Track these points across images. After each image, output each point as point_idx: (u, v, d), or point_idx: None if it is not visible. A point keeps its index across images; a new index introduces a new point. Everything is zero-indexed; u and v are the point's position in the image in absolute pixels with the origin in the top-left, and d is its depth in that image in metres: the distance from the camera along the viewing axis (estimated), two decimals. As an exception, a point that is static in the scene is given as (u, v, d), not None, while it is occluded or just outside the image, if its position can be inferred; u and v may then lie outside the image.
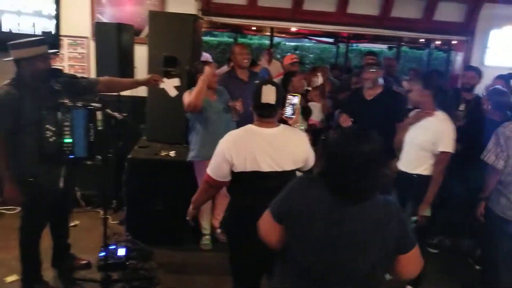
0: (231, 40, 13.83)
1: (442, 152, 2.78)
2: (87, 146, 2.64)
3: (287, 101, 2.31)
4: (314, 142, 3.30)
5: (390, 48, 13.30)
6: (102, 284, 2.82)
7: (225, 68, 5.07)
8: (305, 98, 4.19)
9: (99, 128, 2.67)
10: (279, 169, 2.01)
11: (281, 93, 2.11)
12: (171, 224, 3.47)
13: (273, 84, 2.10)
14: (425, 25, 4.88)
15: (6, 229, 3.53)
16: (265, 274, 2.15)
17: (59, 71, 2.80)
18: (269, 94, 2.01)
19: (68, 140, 2.58)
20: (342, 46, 13.34)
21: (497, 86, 3.62)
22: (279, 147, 2.02)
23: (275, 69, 6.71)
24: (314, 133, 3.82)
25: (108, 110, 2.72)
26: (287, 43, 15.90)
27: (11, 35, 3.66)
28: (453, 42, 6.36)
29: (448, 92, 3.36)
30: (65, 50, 4.37)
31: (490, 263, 2.92)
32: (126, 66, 3.88)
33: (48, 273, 2.96)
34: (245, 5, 4.62)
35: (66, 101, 2.61)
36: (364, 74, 3.38)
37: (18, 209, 3.59)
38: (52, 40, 3.96)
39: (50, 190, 2.68)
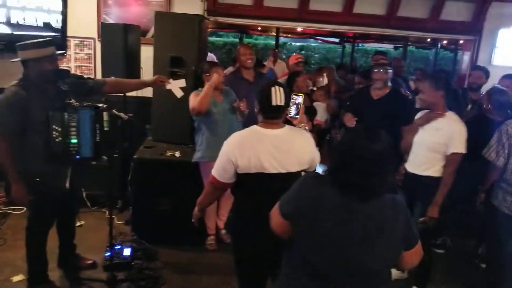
0: (237, 40, 13.86)
1: (453, 153, 2.73)
2: (93, 146, 2.64)
3: (291, 101, 2.30)
4: (319, 143, 3.29)
5: (396, 48, 13.24)
6: (108, 284, 2.84)
7: (231, 69, 5.08)
8: (310, 98, 4.18)
9: (106, 128, 2.68)
10: (284, 171, 1.99)
11: (288, 93, 2.11)
12: (176, 224, 3.47)
13: (281, 85, 2.09)
14: (432, 25, 4.85)
15: (13, 229, 3.57)
16: (270, 277, 2.14)
17: (66, 72, 2.81)
18: (279, 96, 2.00)
19: (74, 141, 2.59)
20: (348, 46, 13.32)
21: (496, 85, 3.63)
22: (285, 149, 2.00)
23: (280, 69, 6.72)
24: (319, 134, 3.81)
25: (114, 111, 2.74)
26: (292, 43, 15.90)
27: (18, 37, 3.69)
28: (461, 41, 6.32)
29: (457, 92, 3.35)
30: (72, 51, 4.40)
31: (495, 262, 2.91)
32: (132, 66, 3.89)
33: (54, 273, 2.97)
34: (251, 5, 4.62)
35: (72, 101, 2.63)
36: (376, 74, 3.29)
37: (25, 209, 3.64)
38: (59, 41, 4.00)
39: (56, 190, 2.69)
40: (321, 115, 4.19)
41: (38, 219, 2.74)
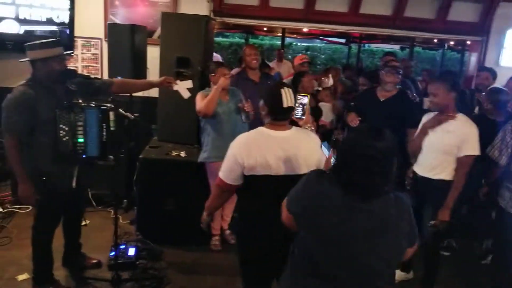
0: (243, 41, 13.86)
1: (466, 156, 2.69)
2: (100, 146, 2.65)
3: (297, 101, 2.29)
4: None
5: (402, 49, 13.16)
6: (112, 283, 2.84)
7: (237, 70, 5.09)
8: (316, 98, 4.17)
9: (112, 128, 2.69)
10: (291, 173, 1.97)
11: (295, 94, 2.10)
12: (181, 224, 3.48)
13: (289, 86, 2.08)
14: (439, 25, 4.81)
15: (19, 227, 3.59)
16: (275, 278, 2.13)
17: (74, 72, 2.83)
18: (289, 97, 1.98)
19: (81, 140, 2.60)
20: (354, 46, 13.28)
21: (495, 85, 3.68)
22: (292, 151, 1.98)
23: (286, 69, 6.72)
24: (324, 134, 3.80)
25: (121, 110, 2.75)
26: (298, 44, 15.87)
27: (30, 37, 3.73)
28: (468, 42, 6.27)
29: (465, 93, 3.33)
30: (79, 51, 4.43)
31: (502, 263, 2.89)
32: (138, 67, 3.91)
33: (59, 272, 2.98)
34: (257, 5, 4.62)
35: (80, 101, 2.64)
36: (388, 76, 3.24)
37: (30, 208, 3.66)
38: (66, 41, 4.03)
39: (63, 189, 2.70)
40: (327, 116, 4.18)
41: (45, 218, 2.76)
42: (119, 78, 3.59)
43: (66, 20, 4.12)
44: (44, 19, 4.02)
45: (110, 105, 2.67)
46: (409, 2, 4.64)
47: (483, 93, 3.63)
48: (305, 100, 2.33)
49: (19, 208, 3.88)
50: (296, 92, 2.28)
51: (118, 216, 2.93)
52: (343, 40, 13.05)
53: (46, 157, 2.58)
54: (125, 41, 3.75)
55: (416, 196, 2.88)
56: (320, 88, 4.54)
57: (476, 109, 3.95)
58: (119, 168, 3.54)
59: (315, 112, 3.71)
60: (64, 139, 2.56)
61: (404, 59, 6.07)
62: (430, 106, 2.83)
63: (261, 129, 2.05)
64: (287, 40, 12.36)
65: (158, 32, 4.14)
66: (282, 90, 1.98)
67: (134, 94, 3.97)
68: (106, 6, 4.35)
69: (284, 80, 4.88)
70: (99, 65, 4.47)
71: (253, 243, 2.06)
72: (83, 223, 3.23)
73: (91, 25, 4.36)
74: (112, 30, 3.89)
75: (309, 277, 1.51)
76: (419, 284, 3.09)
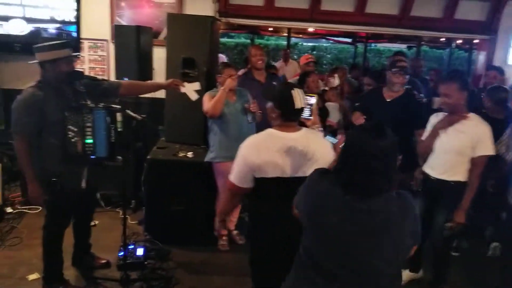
0: (248, 41, 13.86)
1: (481, 156, 2.65)
2: (108, 146, 2.67)
3: (305, 101, 2.29)
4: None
5: (409, 48, 13.08)
6: (121, 283, 2.86)
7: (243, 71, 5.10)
8: (322, 98, 4.16)
9: (119, 129, 2.70)
10: (302, 175, 1.91)
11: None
12: (189, 225, 3.50)
13: (298, 86, 2.07)
14: (446, 24, 4.79)
15: (29, 228, 3.63)
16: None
17: (81, 74, 2.85)
18: (300, 98, 1.96)
19: (89, 141, 2.62)
20: (360, 46, 13.22)
21: (495, 84, 3.68)
22: (303, 152, 1.95)
23: (293, 69, 6.71)
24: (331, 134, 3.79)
25: (129, 112, 2.77)
26: (304, 44, 15.84)
27: (37, 39, 3.77)
28: (475, 41, 6.22)
29: (474, 92, 3.31)
30: (86, 52, 4.46)
31: None
32: (145, 68, 3.93)
33: (69, 272, 3.00)
34: (262, 6, 4.63)
35: (88, 102, 2.66)
36: (396, 77, 3.18)
37: (40, 208, 3.70)
38: (73, 43, 4.06)
39: (72, 190, 2.73)
40: (334, 116, 4.17)
41: (55, 218, 2.78)
42: (126, 79, 3.62)
43: (73, 21, 4.15)
44: (48, 18, 4.06)
45: (118, 106, 2.69)
46: (416, 1, 4.62)
47: (483, 93, 3.64)
48: (313, 100, 2.33)
49: (29, 209, 3.92)
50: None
51: (127, 216, 2.95)
52: (349, 40, 12.99)
53: (55, 158, 2.60)
54: (131, 42, 3.78)
55: (427, 198, 2.86)
56: (326, 88, 4.53)
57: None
58: (127, 169, 3.56)
59: (322, 112, 3.70)
60: (72, 140, 2.58)
61: (414, 59, 5.98)
62: (442, 107, 2.77)
63: (270, 131, 2.01)
64: (293, 40, 12.34)
65: (164, 33, 4.17)
66: (293, 91, 1.96)
67: (141, 96, 3.99)
68: (112, 7, 4.38)
69: (290, 80, 4.88)
70: (105, 66, 4.50)
71: (263, 244, 2.04)
72: (92, 223, 3.26)
73: (97, 26, 4.40)
74: (118, 32, 3.91)
75: (311, 276, 1.51)
76: (428, 284, 3.08)
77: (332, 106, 4.21)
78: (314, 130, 2.25)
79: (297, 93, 1.96)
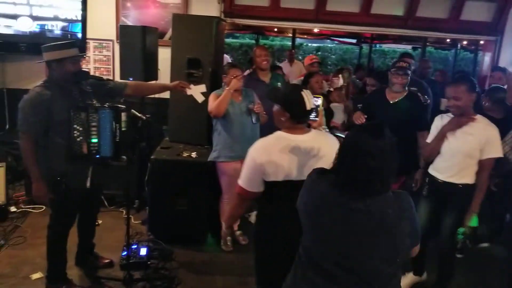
0: (253, 41, 13.87)
1: (489, 158, 2.63)
2: (113, 146, 2.67)
3: None
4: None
5: (414, 49, 13.03)
6: (124, 283, 2.87)
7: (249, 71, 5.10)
8: (327, 99, 4.15)
9: (123, 129, 2.71)
10: None
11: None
12: (192, 225, 3.50)
13: (305, 88, 2.05)
14: (451, 25, 4.77)
15: (33, 227, 3.64)
16: None
17: (87, 73, 2.86)
18: (309, 100, 1.94)
19: (94, 140, 2.63)
20: (365, 47, 13.20)
21: (494, 84, 3.74)
22: (313, 154, 1.92)
23: (298, 69, 6.70)
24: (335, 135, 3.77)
25: (135, 111, 2.77)
26: (309, 44, 15.83)
27: (43, 39, 3.79)
28: (481, 42, 6.19)
29: (480, 93, 3.29)
30: (91, 52, 4.48)
31: None
32: (150, 68, 3.94)
33: (72, 271, 3.01)
34: (267, 6, 4.62)
35: (94, 102, 2.67)
36: (395, 77, 3.17)
37: (44, 207, 3.71)
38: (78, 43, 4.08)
39: (77, 189, 2.73)
40: (338, 117, 4.15)
41: (60, 218, 2.79)
42: (131, 80, 3.63)
43: (78, 21, 4.17)
44: (53, 17, 4.07)
45: (123, 106, 2.70)
46: (421, 2, 4.60)
47: (483, 93, 3.64)
48: (318, 101, 2.32)
49: (33, 208, 3.93)
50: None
51: (130, 216, 2.95)
52: (354, 41, 12.99)
53: (61, 157, 2.61)
54: (137, 43, 3.78)
55: (434, 201, 2.84)
56: (331, 89, 4.52)
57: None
58: (131, 169, 3.57)
59: (327, 113, 3.69)
60: (78, 139, 2.59)
61: (422, 60, 5.93)
62: (451, 109, 2.74)
63: (279, 133, 1.97)
64: (298, 40, 12.36)
65: (169, 33, 4.17)
66: (303, 93, 1.93)
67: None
68: (117, 8, 4.40)
69: (295, 81, 4.88)
70: (111, 66, 4.52)
71: (272, 247, 2.01)
72: (96, 223, 3.26)
73: (103, 27, 4.41)
74: (124, 32, 3.92)
75: (311, 276, 1.51)
76: (432, 286, 3.06)
77: (337, 107, 4.20)
78: (322, 131, 2.23)
79: (306, 95, 1.94)
